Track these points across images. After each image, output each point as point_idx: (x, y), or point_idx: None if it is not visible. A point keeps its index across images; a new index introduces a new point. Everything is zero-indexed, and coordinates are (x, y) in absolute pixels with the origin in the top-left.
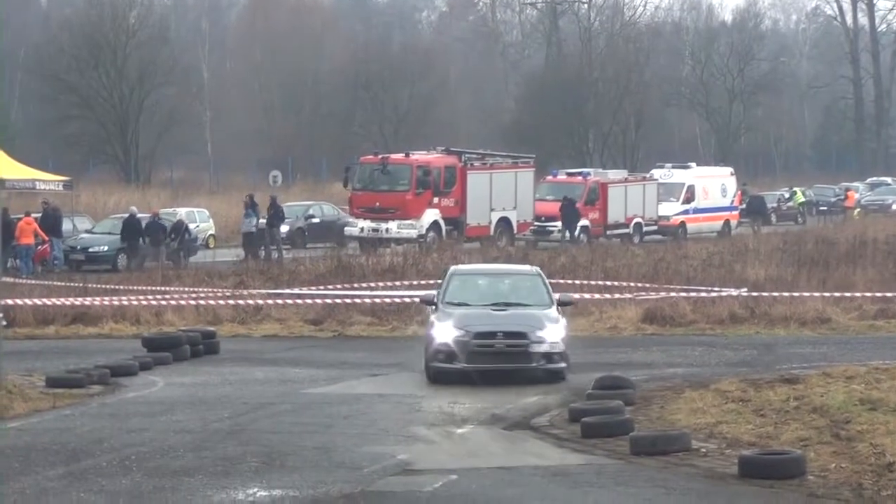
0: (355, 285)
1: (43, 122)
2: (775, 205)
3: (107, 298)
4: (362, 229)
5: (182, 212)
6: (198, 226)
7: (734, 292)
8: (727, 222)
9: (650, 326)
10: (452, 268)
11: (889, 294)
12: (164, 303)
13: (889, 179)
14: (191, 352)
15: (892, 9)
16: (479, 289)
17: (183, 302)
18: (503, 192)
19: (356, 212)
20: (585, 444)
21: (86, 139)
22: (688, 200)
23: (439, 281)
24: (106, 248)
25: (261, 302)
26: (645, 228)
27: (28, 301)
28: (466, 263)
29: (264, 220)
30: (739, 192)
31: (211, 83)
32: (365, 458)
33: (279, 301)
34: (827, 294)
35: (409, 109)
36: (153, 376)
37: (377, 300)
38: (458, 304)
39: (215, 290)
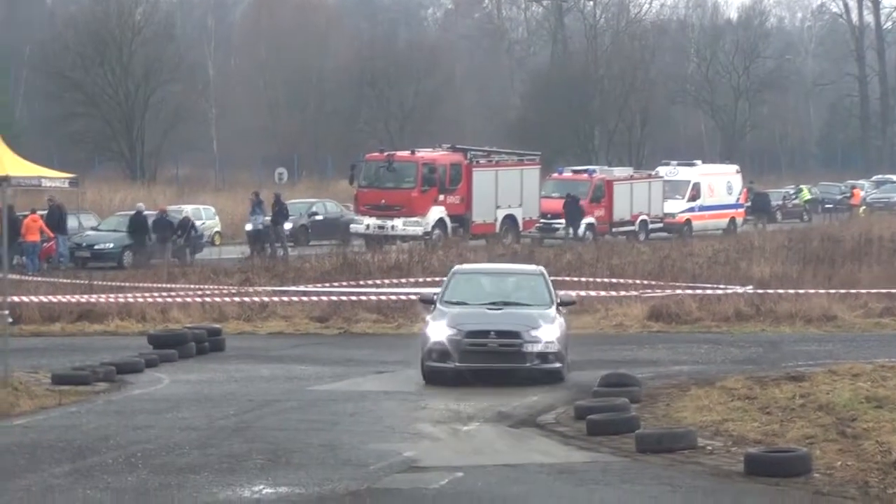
0: (361, 282)
1: (48, 119)
2: (781, 202)
3: (112, 296)
4: (368, 226)
5: (188, 209)
6: (204, 223)
7: (740, 290)
8: (733, 220)
9: (656, 324)
10: (455, 267)
11: (895, 291)
12: (169, 300)
13: (894, 177)
14: (196, 349)
15: None
16: (479, 288)
17: (189, 299)
18: (509, 189)
19: (362, 209)
20: (591, 442)
21: (91, 136)
22: (693, 198)
23: (444, 279)
24: (112, 245)
25: (266, 299)
26: (650, 226)
27: (34, 298)
28: (471, 262)
29: (268, 218)
30: (745, 190)
31: (216, 80)
32: (371, 455)
33: (285, 298)
34: (832, 291)
35: (415, 106)
36: (159, 373)
37: (383, 297)
38: (457, 304)
39: (221, 287)
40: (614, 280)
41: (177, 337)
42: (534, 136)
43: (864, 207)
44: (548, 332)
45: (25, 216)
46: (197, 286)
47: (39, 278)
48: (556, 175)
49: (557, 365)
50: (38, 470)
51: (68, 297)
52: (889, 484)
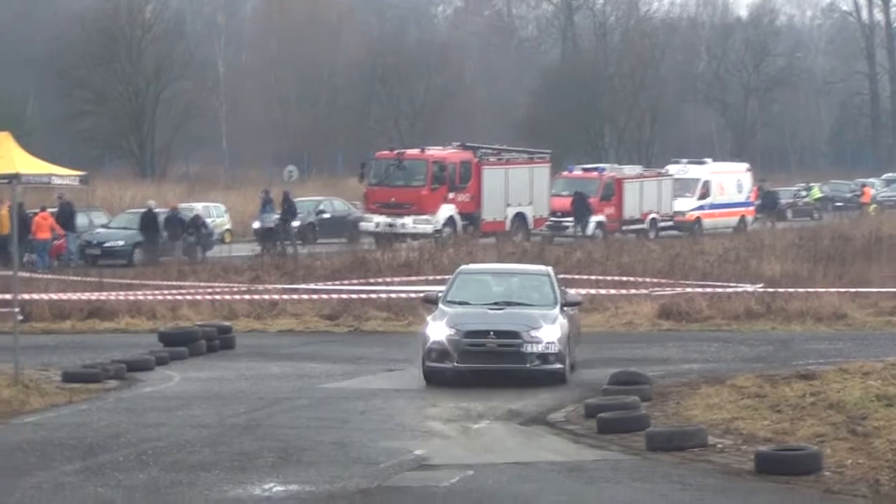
0: (371, 280)
1: (58, 117)
2: (791, 200)
3: (123, 293)
4: (378, 224)
5: (199, 206)
6: (214, 220)
7: (750, 288)
8: (743, 218)
9: (666, 322)
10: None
11: None
12: (179, 298)
13: None
14: (207, 347)
15: None
16: (483, 288)
17: (199, 297)
18: (519, 187)
19: (372, 207)
20: (601, 440)
21: (101, 134)
22: (703, 196)
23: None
24: (122, 242)
25: (276, 297)
26: (660, 224)
27: (44, 296)
28: (481, 260)
29: (277, 216)
30: (756, 188)
31: (226, 77)
32: (381, 453)
33: (295, 296)
34: (843, 290)
35: (425, 104)
36: (169, 371)
37: (393, 295)
38: (459, 304)
39: (231, 284)
40: (624, 278)
41: (187, 335)
42: (544, 134)
43: (874, 205)
44: (549, 332)
45: (35, 214)
46: (207, 284)
47: (50, 276)
48: (566, 173)
49: (558, 366)
50: (48, 467)
51: (79, 294)
52: None
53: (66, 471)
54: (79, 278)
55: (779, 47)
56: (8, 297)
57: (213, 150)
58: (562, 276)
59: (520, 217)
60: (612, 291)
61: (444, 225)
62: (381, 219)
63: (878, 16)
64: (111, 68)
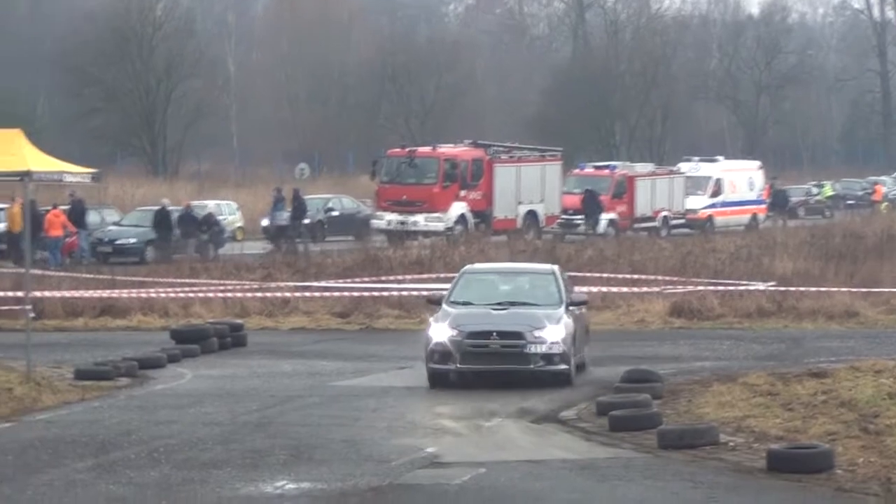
0: (383, 278)
1: (70, 114)
2: (803, 198)
3: (135, 291)
4: (389, 222)
5: (211, 204)
6: (225, 218)
7: (762, 286)
8: (755, 216)
9: (677, 320)
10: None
11: None
12: (191, 295)
13: None
14: (219, 344)
15: None
16: (487, 288)
17: (211, 294)
18: (530, 185)
19: (383, 205)
20: (613, 438)
21: (112, 132)
22: (715, 194)
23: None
24: (134, 240)
25: (288, 295)
26: (672, 222)
27: (56, 293)
28: (491, 258)
29: (288, 213)
30: (768, 186)
31: (237, 75)
32: (393, 450)
33: (307, 294)
34: (855, 289)
35: (436, 102)
36: (181, 368)
37: (405, 293)
38: (463, 304)
39: (243, 282)
40: (636, 276)
41: (199, 332)
42: (555, 132)
43: (885, 203)
44: (553, 332)
45: (47, 211)
46: (219, 281)
47: (62, 273)
48: (577, 171)
49: (563, 367)
50: (60, 465)
51: (91, 292)
52: None
53: (77, 468)
54: (91, 276)
55: (790, 45)
56: (20, 294)
57: (224, 149)
58: (573, 273)
59: (531, 215)
60: (624, 289)
61: (456, 223)
62: (393, 216)
63: (890, 13)
64: (122, 66)
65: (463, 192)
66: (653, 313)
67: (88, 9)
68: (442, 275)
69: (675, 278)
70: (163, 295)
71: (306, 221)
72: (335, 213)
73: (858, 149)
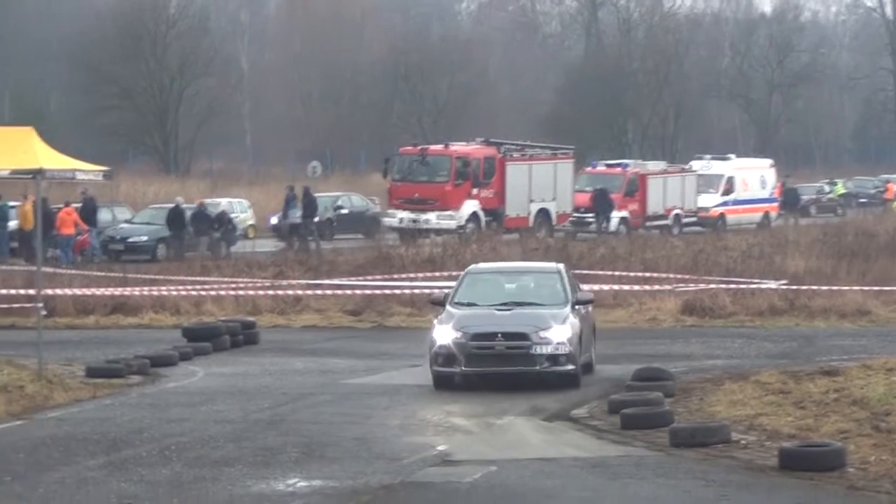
0: (395, 276)
1: (82, 112)
2: (814, 197)
3: (146, 289)
4: (401, 220)
5: (223, 202)
6: (237, 216)
7: (774, 284)
8: (766, 214)
9: (689, 318)
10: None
11: None
12: (203, 293)
13: None
14: (230, 342)
15: None
16: (491, 288)
17: (223, 292)
18: (542, 183)
19: (395, 203)
20: (625, 436)
21: (125, 129)
22: (727, 192)
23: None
24: (145, 238)
25: (300, 292)
26: (684, 220)
27: (68, 291)
28: (503, 256)
29: (300, 212)
30: (780, 184)
31: (250, 74)
32: (404, 448)
33: (319, 292)
34: (867, 287)
35: (448, 100)
36: (193, 366)
37: (416, 291)
38: (467, 305)
39: (255, 280)
40: (648, 274)
41: (211, 330)
42: (567, 130)
43: None
44: (559, 332)
45: (59, 209)
46: (231, 279)
47: (73, 271)
48: (589, 169)
49: (570, 367)
50: (72, 462)
51: (102, 289)
52: None
53: (89, 466)
54: (102, 274)
55: (803, 43)
56: (32, 292)
57: (237, 147)
58: (585, 271)
59: (543, 213)
60: (636, 287)
61: (468, 221)
62: (405, 214)
63: None
64: (135, 64)
65: (475, 191)
66: (665, 311)
67: (102, 7)
68: (454, 273)
69: (687, 276)
70: (174, 293)
71: (315, 219)
72: (344, 211)
73: (871, 147)
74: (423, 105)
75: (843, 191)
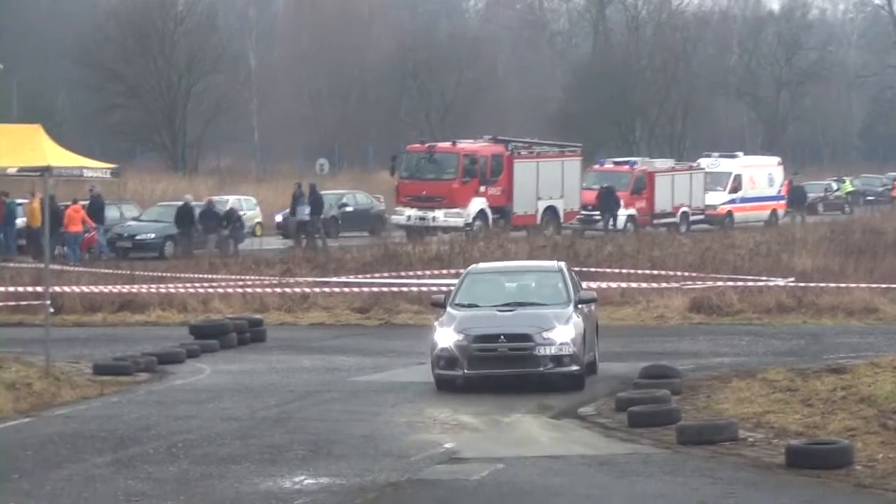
0: (402, 274)
1: (90, 110)
2: (822, 194)
3: (154, 286)
4: (409, 217)
5: (232, 199)
6: (244, 213)
7: (781, 282)
8: (774, 212)
9: (697, 316)
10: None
11: None
12: (210, 290)
13: None
14: (238, 340)
15: None
16: (491, 289)
17: (230, 290)
18: (550, 180)
19: (403, 200)
20: (632, 434)
21: (133, 127)
22: (735, 190)
23: None
24: (153, 235)
25: (307, 290)
26: (692, 217)
27: (75, 288)
28: (511, 254)
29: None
30: (787, 182)
31: (258, 71)
32: (412, 446)
33: (326, 289)
34: (874, 284)
35: (456, 98)
36: (200, 364)
37: (424, 289)
38: (468, 306)
39: (262, 277)
40: (655, 272)
41: (218, 327)
42: (575, 128)
43: None
44: (562, 333)
45: (67, 206)
46: (238, 277)
47: (81, 268)
48: (597, 167)
49: (574, 368)
50: (79, 460)
51: (110, 287)
52: None
53: (96, 463)
54: (110, 271)
55: (811, 41)
56: (40, 289)
57: (245, 145)
58: (593, 269)
59: (551, 210)
60: (643, 285)
61: (475, 218)
62: (413, 212)
63: None
64: (143, 62)
65: (482, 188)
66: (672, 309)
67: (110, 4)
68: (461, 270)
69: (695, 274)
70: (182, 290)
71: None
72: (349, 209)
73: (878, 145)
74: (431, 102)
75: (850, 188)
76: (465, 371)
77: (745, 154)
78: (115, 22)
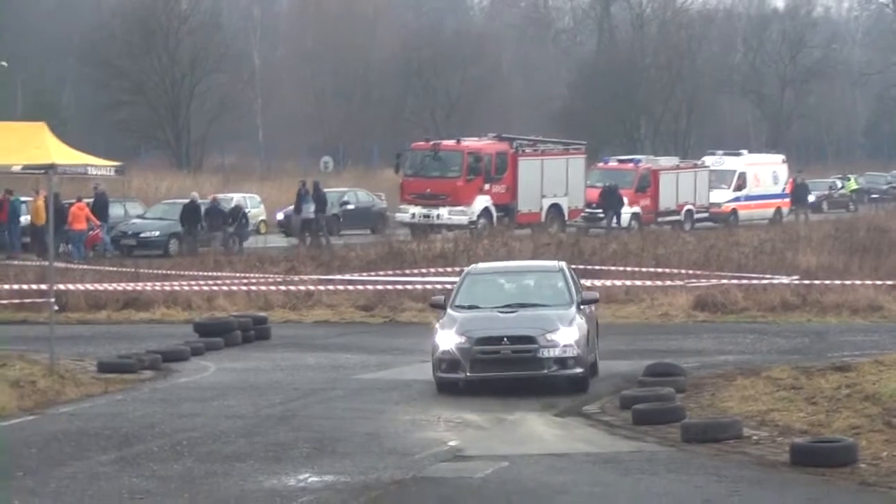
0: (406, 271)
1: (95, 107)
2: (826, 192)
3: (158, 284)
4: (413, 215)
5: (237, 197)
6: (249, 211)
7: (786, 280)
8: (778, 209)
9: (701, 313)
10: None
11: None
12: (215, 288)
13: None
14: (242, 337)
15: None
16: (492, 289)
17: (234, 287)
18: (554, 178)
19: (407, 198)
20: (637, 432)
21: (137, 125)
22: (739, 187)
23: None
24: (157, 233)
25: (312, 288)
26: (696, 215)
27: (80, 286)
28: (516, 252)
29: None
30: (791, 180)
31: (262, 70)
32: (416, 444)
33: (330, 287)
34: (879, 282)
35: (461, 95)
36: (205, 361)
37: (428, 286)
38: (468, 307)
39: (266, 275)
40: (660, 270)
41: (222, 325)
42: (580, 126)
43: None
44: (566, 334)
45: (71, 204)
46: (242, 274)
47: (85, 266)
48: (601, 164)
49: (578, 370)
50: (83, 457)
51: (114, 285)
52: None
53: (101, 461)
54: (114, 269)
55: (815, 39)
56: (44, 287)
57: (249, 143)
58: (597, 267)
59: (555, 208)
60: (648, 283)
61: (480, 216)
62: (417, 210)
63: None
64: (148, 60)
65: (487, 186)
66: (676, 307)
67: (114, 2)
68: (466, 268)
69: (699, 272)
70: (186, 288)
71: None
72: (350, 207)
73: (883, 143)
74: (436, 100)
75: (855, 186)
76: (468, 374)
77: (750, 152)
78: (119, 19)
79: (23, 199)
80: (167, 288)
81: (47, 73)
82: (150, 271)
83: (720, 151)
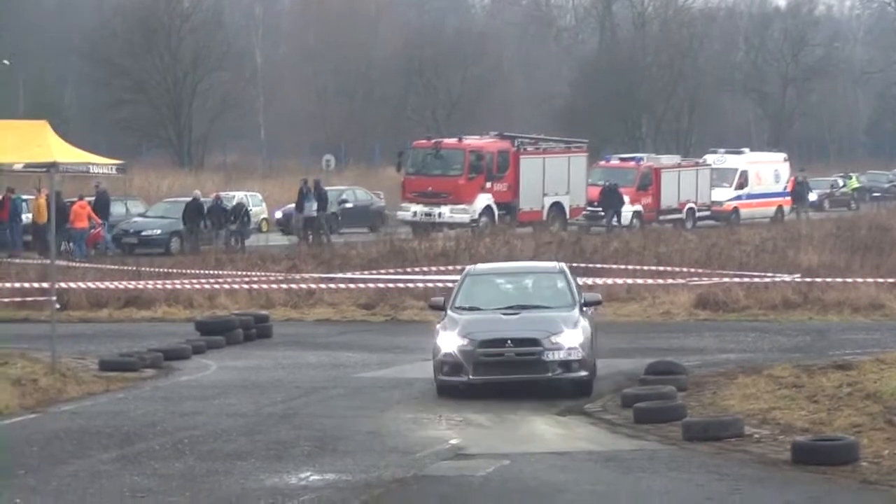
0: (408, 270)
1: (97, 106)
2: (827, 191)
3: (160, 282)
4: (415, 214)
5: (240, 195)
6: (251, 209)
7: (787, 278)
8: (780, 208)
9: (703, 312)
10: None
11: None
12: (217, 287)
13: None
14: (244, 336)
15: None
16: (493, 291)
17: (236, 286)
18: (556, 176)
19: (409, 196)
20: (638, 430)
21: (139, 123)
22: (741, 186)
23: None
24: (159, 231)
25: (313, 286)
26: (698, 214)
27: (81, 284)
28: (517, 250)
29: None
30: (792, 179)
31: (264, 68)
32: (417, 442)
33: (332, 285)
34: (881, 280)
35: (463, 94)
36: (206, 360)
37: (430, 285)
38: (469, 309)
39: (268, 274)
40: (661, 268)
41: (224, 323)
42: (581, 124)
43: None
44: (571, 337)
45: (73, 202)
46: (244, 273)
47: (87, 264)
48: (603, 163)
49: (583, 373)
50: (85, 456)
51: (116, 283)
52: None
53: (102, 459)
54: (116, 267)
55: (817, 37)
56: (45, 285)
57: (251, 141)
58: (599, 265)
59: (557, 206)
60: (649, 281)
61: (481, 214)
62: (419, 208)
63: None
64: (150, 58)
65: (489, 184)
66: (678, 305)
67: (116, 1)
68: (467, 266)
69: (701, 270)
70: (188, 286)
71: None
72: (349, 205)
73: (885, 141)
74: (437, 99)
75: (856, 185)
76: (470, 377)
77: (752, 150)
78: (121, 18)
79: (24, 197)
80: (168, 286)
81: (49, 71)
82: (152, 269)
83: (722, 150)
